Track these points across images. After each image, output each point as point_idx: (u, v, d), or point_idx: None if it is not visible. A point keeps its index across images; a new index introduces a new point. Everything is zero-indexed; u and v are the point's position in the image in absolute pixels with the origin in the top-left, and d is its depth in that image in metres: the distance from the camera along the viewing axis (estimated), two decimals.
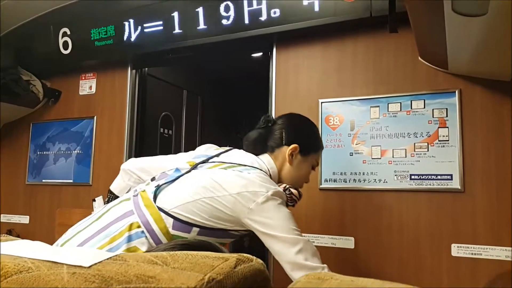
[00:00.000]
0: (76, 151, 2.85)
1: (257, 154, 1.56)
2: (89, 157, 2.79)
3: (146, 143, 2.87)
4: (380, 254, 1.95)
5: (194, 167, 1.46)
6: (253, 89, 4.11)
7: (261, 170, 1.45)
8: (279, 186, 1.46)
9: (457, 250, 1.81)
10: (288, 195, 1.47)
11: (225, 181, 1.36)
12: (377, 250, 1.96)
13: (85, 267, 0.53)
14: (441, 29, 1.41)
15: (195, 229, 1.32)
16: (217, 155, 1.53)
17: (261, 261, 0.59)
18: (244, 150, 1.60)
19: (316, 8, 2.05)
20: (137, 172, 1.70)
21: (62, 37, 2.75)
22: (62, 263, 0.55)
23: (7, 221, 3.01)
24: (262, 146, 1.58)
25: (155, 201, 1.35)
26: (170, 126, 3.44)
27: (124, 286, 0.48)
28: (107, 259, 0.55)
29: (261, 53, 3.26)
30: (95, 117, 2.81)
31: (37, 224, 2.92)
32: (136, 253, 0.58)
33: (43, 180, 2.94)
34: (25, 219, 2.96)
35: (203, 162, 1.49)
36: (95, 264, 0.54)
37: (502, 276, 0.97)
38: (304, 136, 1.60)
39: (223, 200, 1.33)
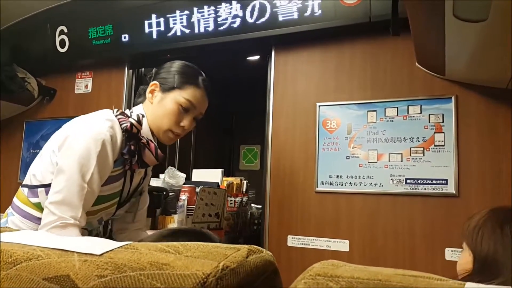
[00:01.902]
0: None
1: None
2: None
3: None
4: (375, 257, 1.96)
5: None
6: (248, 91, 4.13)
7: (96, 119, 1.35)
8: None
9: (451, 254, 1.83)
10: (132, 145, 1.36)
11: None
12: (372, 253, 1.97)
13: (96, 255, 0.53)
14: (440, 35, 1.44)
15: (40, 190, 1.31)
16: None
17: (270, 253, 0.59)
18: None
19: (316, 12, 2.07)
20: None
21: (59, 35, 2.74)
22: (73, 251, 0.55)
23: None
24: (142, 98, 1.53)
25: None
26: None
27: (139, 273, 0.48)
28: (119, 247, 0.55)
29: (257, 56, 3.29)
30: None
31: None
32: (147, 243, 0.58)
33: None
34: None
35: None
36: (107, 252, 0.54)
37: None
38: (164, 72, 1.51)
39: (49, 149, 1.33)
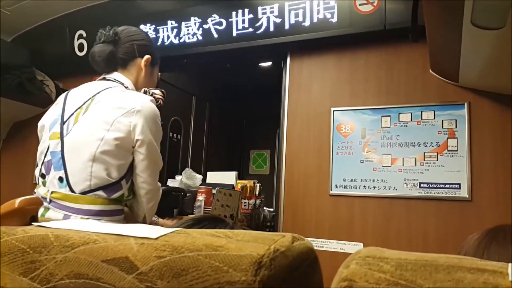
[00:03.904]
0: None
1: (109, 71, 1.52)
2: None
3: None
4: None
5: (61, 136, 1.39)
6: (259, 97, 4.18)
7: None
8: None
9: None
10: (152, 96, 1.58)
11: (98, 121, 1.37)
12: None
13: (152, 239, 0.56)
14: (456, 42, 1.47)
15: (123, 181, 1.35)
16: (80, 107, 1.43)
17: (310, 242, 0.63)
18: (94, 68, 1.54)
19: (332, 20, 2.11)
20: None
21: (78, 39, 2.80)
22: (128, 236, 0.59)
23: None
24: (114, 60, 1.52)
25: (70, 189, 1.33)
26: (179, 131, 3.49)
27: (196, 253, 0.51)
28: (171, 232, 0.59)
29: (269, 63, 3.33)
30: None
31: None
32: (196, 229, 0.62)
33: None
34: None
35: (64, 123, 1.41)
36: (162, 236, 0.57)
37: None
38: (150, 46, 1.61)
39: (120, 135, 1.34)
